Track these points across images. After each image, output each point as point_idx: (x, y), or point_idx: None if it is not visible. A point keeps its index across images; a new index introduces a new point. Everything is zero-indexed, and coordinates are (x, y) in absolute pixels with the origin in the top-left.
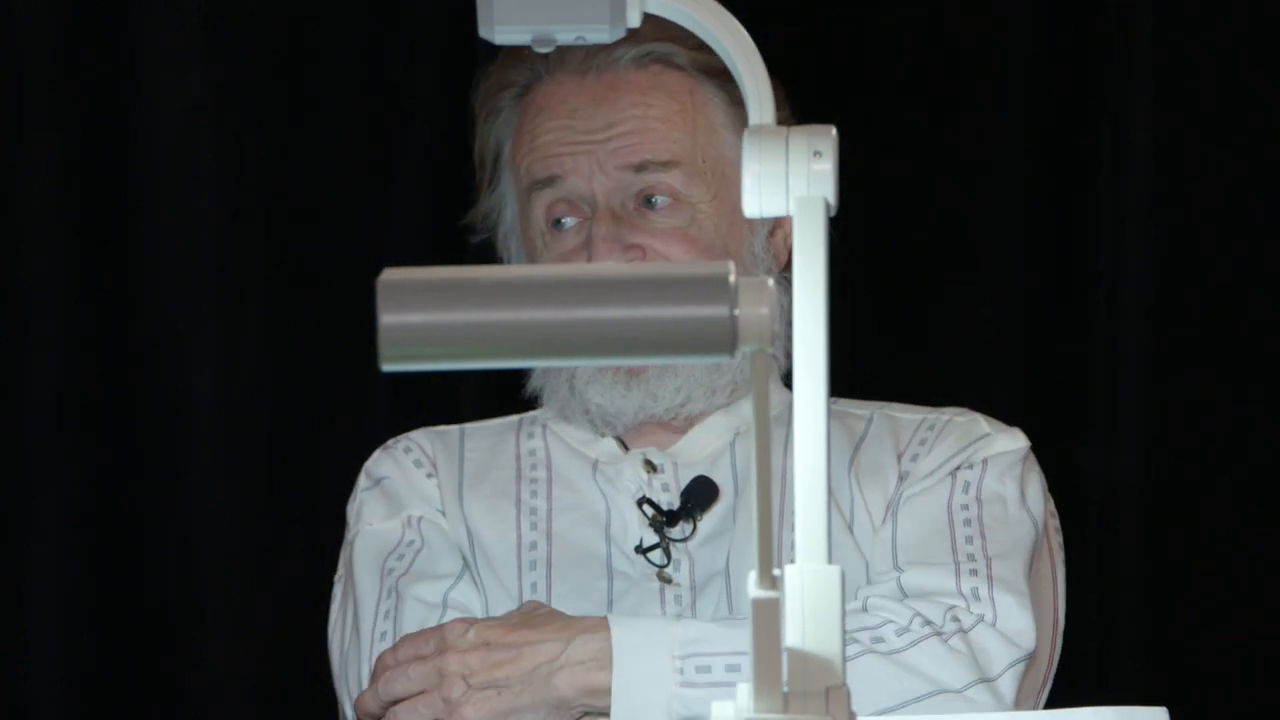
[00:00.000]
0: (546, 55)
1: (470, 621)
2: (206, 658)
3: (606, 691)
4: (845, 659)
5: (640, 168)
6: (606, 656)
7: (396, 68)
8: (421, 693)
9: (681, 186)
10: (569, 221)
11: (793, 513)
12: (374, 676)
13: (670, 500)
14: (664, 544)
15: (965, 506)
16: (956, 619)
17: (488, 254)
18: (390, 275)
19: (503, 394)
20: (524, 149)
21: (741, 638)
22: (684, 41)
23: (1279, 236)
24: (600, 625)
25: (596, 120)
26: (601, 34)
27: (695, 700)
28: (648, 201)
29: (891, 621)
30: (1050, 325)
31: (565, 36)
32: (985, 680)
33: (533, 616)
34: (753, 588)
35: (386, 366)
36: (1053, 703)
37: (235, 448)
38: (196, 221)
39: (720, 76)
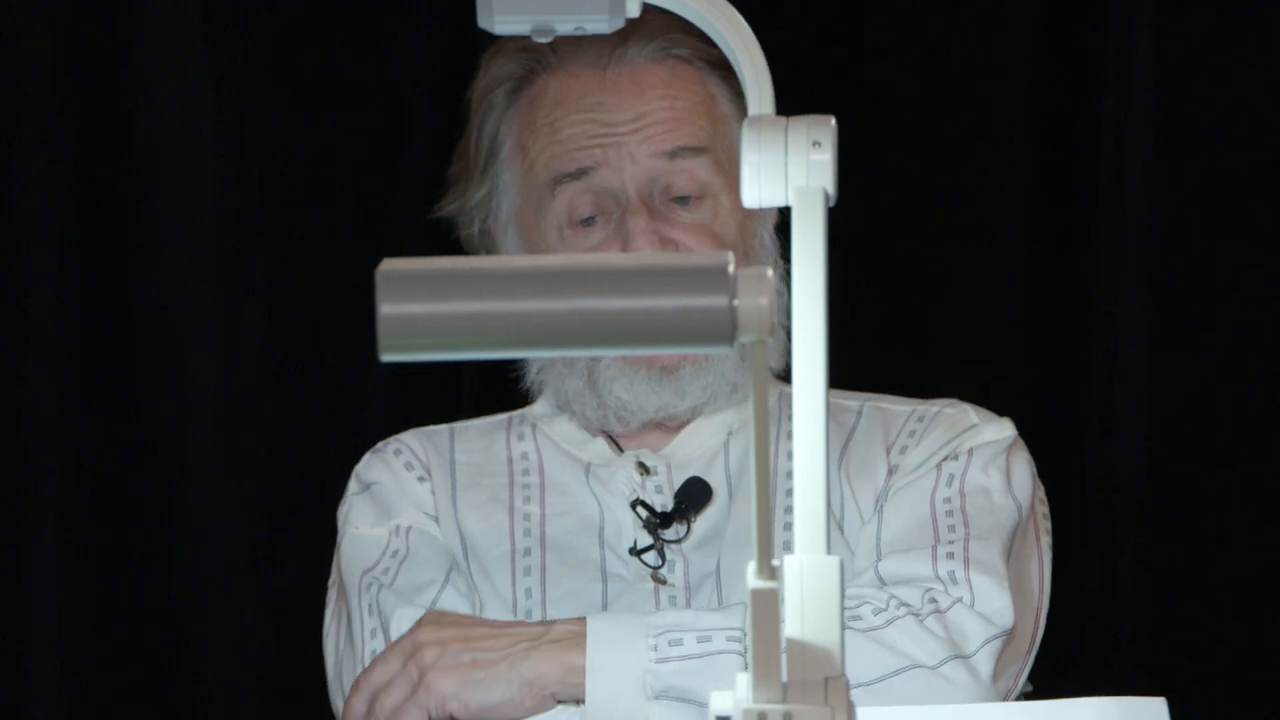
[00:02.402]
0: (550, 47)
1: (445, 614)
2: (206, 656)
3: (581, 670)
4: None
5: (673, 154)
6: (582, 638)
7: (396, 60)
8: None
9: (708, 176)
10: (597, 220)
11: (787, 510)
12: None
13: (664, 502)
14: (658, 545)
15: (948, 499)
16: (934, 600)
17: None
18: (389, 265)
19: (502, 391)
20: (542, 142)
21: (715, 619)
22: (690, 35)
23: None
24: (579, 620)
25: (625, 113)
26: (601, 24)
27: (670, 674)
28: (676, 198)
29: (869, 602)
30: (1050, 321)
31: (564, 27)
32: (960, 656)
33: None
34: (752, 578)
35: (385, 356)
36: (1051, 693)
37: (235, 446)
38: (195, 220)
39: (723, 69)
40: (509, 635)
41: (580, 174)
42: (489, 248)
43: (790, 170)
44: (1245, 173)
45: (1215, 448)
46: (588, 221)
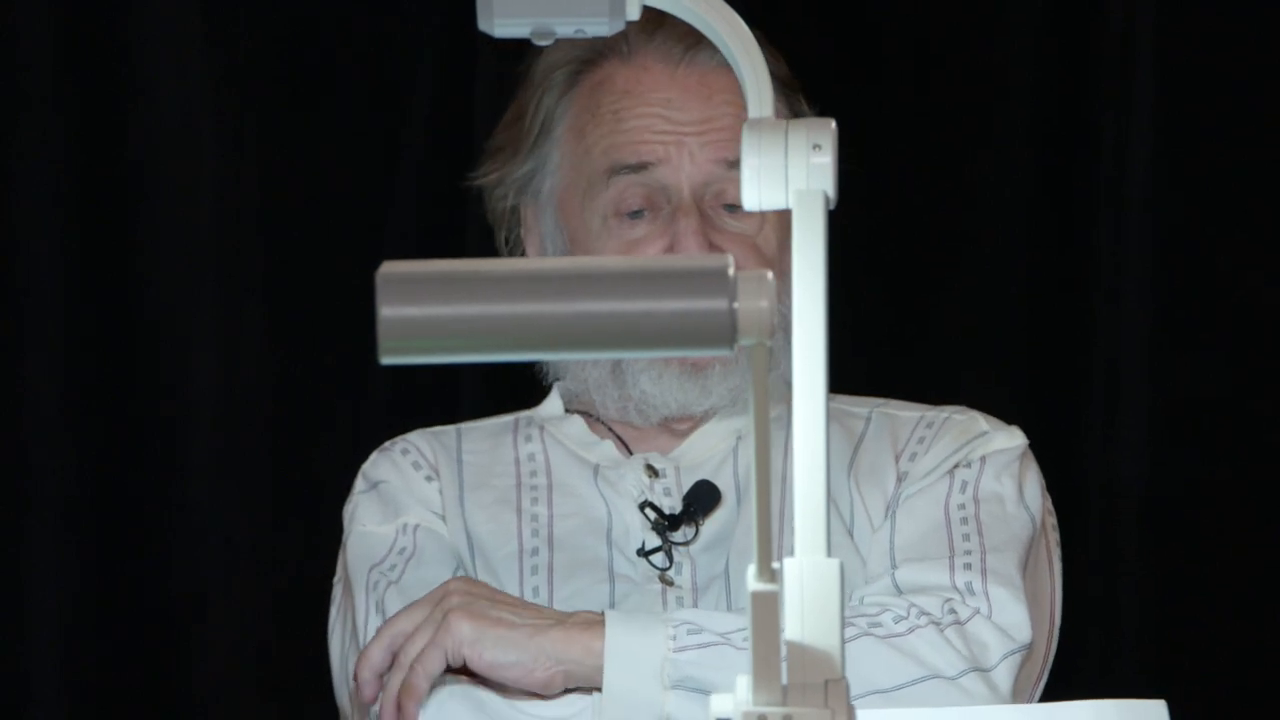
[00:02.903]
0: (621, 36)
1: (475, 580)
2: (206, 656)
3: (599, 653)
4: (844, 650)
5: (732, 163)
6: (601, 626)
7: (396, 60)
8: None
9: None
10: (645, 214)
11: (793, 516)
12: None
13: (672, 505)
14: (666, 547)
15: (962, 506)
16: (953, 611)
17: (487, 248)
18: (389, 268)
19: (503, 393)
20: (603, 129)
21: (732, 620)
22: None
23: None
24: (599, 612)
25: (692, 113)
26: (601, 27)
27: (687, 663)
28: (725, 205)
29: (889, 610)
30: (1052, 326)
31: (564, 29)
32: (980, 669)
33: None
34: (752, 580)
35: (385, 359)
36: (1052, 697)
37: (235, 446)
38: (195, 220)
39: (788, 87)
40: (533, 610)
41: (640, 167)
42: (515, 225)
43: (790, 173)
44: (1245, 173)
45: (1215, 448)
46: (635, 214)
